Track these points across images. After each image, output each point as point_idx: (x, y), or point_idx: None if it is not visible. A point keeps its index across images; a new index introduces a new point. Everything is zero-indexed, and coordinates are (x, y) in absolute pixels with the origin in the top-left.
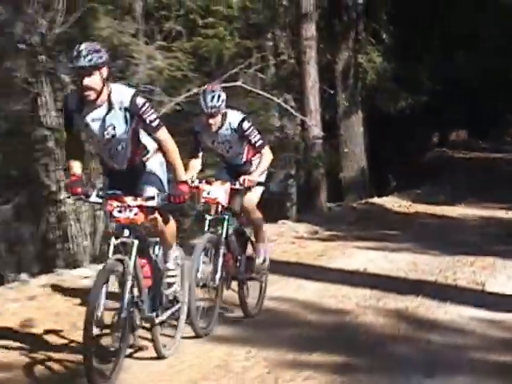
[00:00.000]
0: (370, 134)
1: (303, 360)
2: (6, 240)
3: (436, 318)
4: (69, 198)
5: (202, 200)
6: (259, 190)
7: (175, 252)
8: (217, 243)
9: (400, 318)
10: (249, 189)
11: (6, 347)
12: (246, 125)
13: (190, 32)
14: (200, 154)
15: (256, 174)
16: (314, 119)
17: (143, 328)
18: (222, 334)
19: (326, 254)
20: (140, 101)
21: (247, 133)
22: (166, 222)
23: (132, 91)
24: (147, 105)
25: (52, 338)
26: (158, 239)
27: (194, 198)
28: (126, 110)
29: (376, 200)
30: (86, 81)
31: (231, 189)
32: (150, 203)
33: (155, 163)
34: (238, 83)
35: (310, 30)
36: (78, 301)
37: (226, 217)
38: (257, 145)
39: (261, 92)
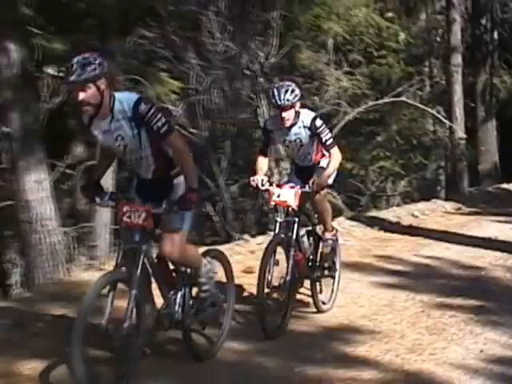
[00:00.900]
0: (501, 137)
1: (448, 303)
2: (233, 210)
3: None
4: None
5: (272, 203)
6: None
7: (206, 266)
8: (287, 245)
9: None
10: (318, 192)
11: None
12: (318, 122)
13: (368, 61)
14: (269, 154)
15: (325, 175)
16: (459, 125)
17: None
18: (388, 281)
19: (467, 225)
20: (143, 107)
21: (319, 130)
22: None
23: (135, 98)
24: (153, 110)
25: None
26: None
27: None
28: (129, 119)
29: (505, 186)
30: (81, 96)
31: (301, 192)
32: (156, 210)
33: (183, 181)
34: (403, 98)
35: (457, 59)
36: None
37: (296, 219)
38: (327, 143)
39: (419, 105)
